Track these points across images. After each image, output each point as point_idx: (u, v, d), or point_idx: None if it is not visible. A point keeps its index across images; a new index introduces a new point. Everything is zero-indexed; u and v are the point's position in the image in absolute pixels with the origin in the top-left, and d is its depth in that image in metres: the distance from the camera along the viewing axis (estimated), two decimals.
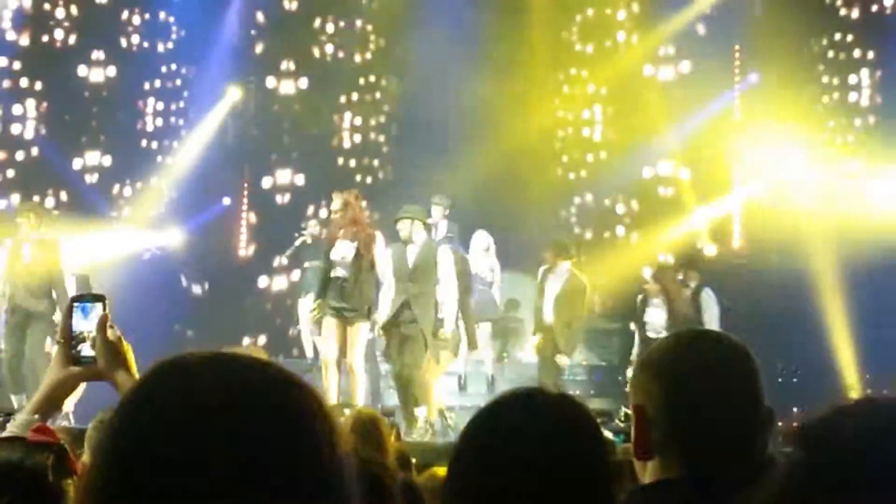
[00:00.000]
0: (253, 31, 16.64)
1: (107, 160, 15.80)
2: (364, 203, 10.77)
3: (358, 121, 17.04)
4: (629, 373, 9.71)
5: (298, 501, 1.20)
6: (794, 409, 9.69)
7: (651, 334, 11.42)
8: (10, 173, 14.80)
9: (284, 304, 15.72)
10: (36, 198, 13.81)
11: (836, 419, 1.17)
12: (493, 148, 15.03)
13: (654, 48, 16.06)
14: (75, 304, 2.47)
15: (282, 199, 16.69)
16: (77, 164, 15.59)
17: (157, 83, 16.24)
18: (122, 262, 14.31)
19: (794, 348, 13.21)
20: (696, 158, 15.42)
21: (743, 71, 15.71)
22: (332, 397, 9.78)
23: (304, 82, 16.79)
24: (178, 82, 16.35)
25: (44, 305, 11.06)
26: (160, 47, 16.09)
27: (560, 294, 11.53)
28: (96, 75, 15.73)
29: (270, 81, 16.84)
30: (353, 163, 16.76)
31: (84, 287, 11.04)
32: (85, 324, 2.44)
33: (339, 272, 10.31)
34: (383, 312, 10.40)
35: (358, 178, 16.36)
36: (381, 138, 17.08)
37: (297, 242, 13.87)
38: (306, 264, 13.47)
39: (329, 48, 16.81)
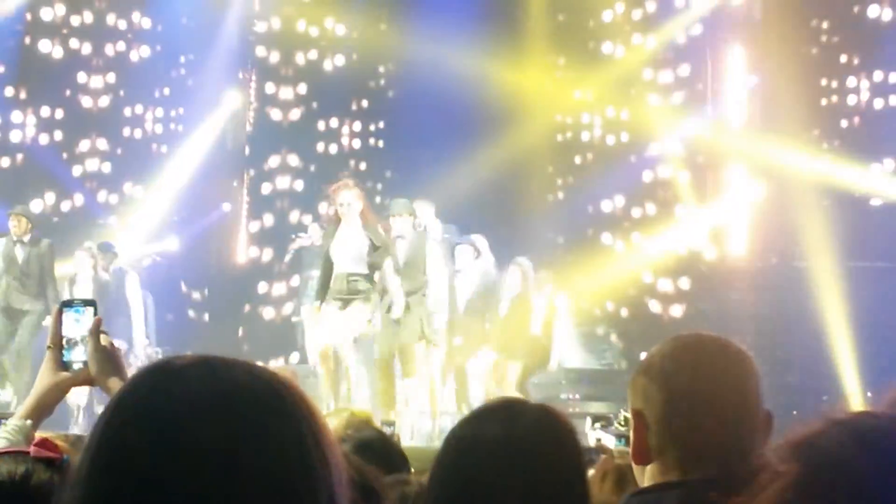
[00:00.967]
0: (251, 38, 16.63)
1: (106, 167, 15.81)
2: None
3: (357, 126, 17.03)
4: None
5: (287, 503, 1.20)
6: (794, 412, 9.70)
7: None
8: (8, 178, 14.78)
9: (284, 309, 15.71)
10: (33, 203, 13.86)
11: (827, 431, 1.18)
12: (493, 152, 15.02)
13: (654, 51, 16.05)
14: (65, 309, 2.43)
15: (281, 204, 16.67)
16: (77, 170, 15.58)
17: (156, 90, 16.23)
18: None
19: (795, 350, 13.21)
20: (695, 161, 15.43)
21: (742, 74, 15.70)
22: (331, 403, 9.71)
23: (302, 88, 16.78)
24: (178, 89, 16.33)
25: (36, 306, 11.16)
26: (159, 53, 16.07)
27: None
28: (96, 82, 15.74)
29: (269, 87, 16.83)
30: (351, 167, 16.73)
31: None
32: (75, 329, 2.40)
33: (341, 267, 10.19)
34: (377, 306, 10.33)
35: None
36: (381, 143, 17.08)
37: (296, 247, 13.84)
38: (306, 272, 13.42)
39: (326, 53, 16.79)
